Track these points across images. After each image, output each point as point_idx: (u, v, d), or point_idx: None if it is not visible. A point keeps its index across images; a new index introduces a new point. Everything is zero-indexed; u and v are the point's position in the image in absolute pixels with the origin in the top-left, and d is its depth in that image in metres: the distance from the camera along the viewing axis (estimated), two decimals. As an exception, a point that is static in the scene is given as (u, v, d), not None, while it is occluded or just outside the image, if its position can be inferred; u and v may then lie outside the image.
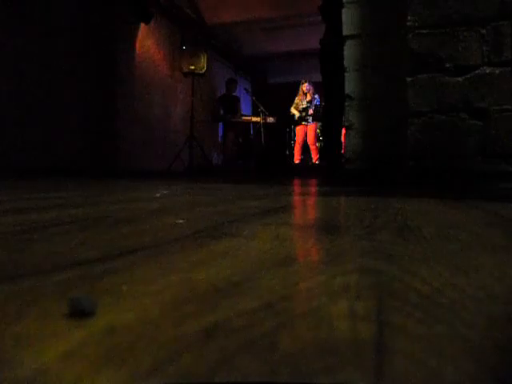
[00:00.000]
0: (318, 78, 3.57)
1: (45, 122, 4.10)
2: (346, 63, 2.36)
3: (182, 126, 6.34)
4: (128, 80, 5.47)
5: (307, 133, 7.00)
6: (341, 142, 3.63)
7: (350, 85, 2.37)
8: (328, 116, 3.53)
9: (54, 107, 4.22)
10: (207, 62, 5.96)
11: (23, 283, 0.36)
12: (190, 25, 6.72)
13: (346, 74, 2.37)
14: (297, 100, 7.09)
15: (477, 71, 1.92)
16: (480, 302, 0.32)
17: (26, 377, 0.20)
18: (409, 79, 2.01)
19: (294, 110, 7.09)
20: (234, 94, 7.45)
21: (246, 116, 7.46)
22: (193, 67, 5.88)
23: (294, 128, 7.22)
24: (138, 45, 5.70)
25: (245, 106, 8.10)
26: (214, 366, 0.21)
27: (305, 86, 6.98)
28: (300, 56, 8.18)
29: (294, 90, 7.21)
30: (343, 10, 2.38)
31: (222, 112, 7.37)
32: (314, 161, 6.95)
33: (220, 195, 1.61)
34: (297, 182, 3.29)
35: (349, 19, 2.37)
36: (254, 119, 7.24)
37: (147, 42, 5.91)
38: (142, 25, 5.66)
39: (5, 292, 0.33)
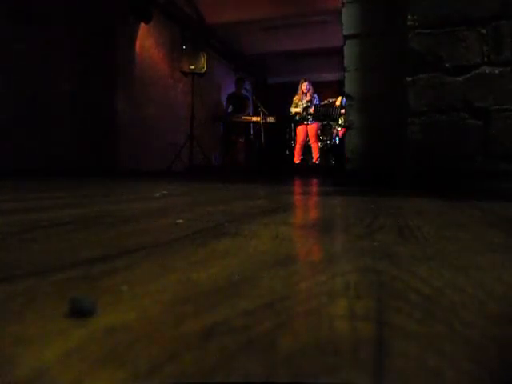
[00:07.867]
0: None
1: (44, 123, 4.10)
2: (345, 63, 2.36)
3: (182, 126, 6.34)
4: (128, 80, 5.47)
5: (308, 132, 6.98)
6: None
7: (350, 85, 2.37)
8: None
9: (53, 107, 4.22)
10: (207, 62, 5.95)
11: (23, 283, 0.36)
12: (190, 25, 6.71)
13: (346, 74, 2.37)
14: (295, 100, 7.05)
15: (477, 71, 1.92)
16: (480, 302, 0.32)
17: (26, 377, 0.20)
18: (409, 79, 2.01)
19: (293, 110, 7.06)
20: (242, 92, 7.47)
21: (246, 116, 7.46)
22: (193, 67, 5.87)
23: (295, 128, 7.19)
24: (138, 45, 5.70)
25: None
26: (213, 365, 0.21)
27: (304, 86, 6.93)
28: (300, 56, 8.16)
29: (293, 90, 7.18)
30: (343, 10, 2.37)
31: (230, 109, 7.40)
32: (314, 160, 6.94)
33: (220, 195, 1.61)
34: (297, 181, 3.29)
35: (349, 19, 2.36)
36: (254, 119, 7.23)
37: (147, 42, 5.91)
38: (142, 25, 5.66)
39: (5, 292, 0.33)
